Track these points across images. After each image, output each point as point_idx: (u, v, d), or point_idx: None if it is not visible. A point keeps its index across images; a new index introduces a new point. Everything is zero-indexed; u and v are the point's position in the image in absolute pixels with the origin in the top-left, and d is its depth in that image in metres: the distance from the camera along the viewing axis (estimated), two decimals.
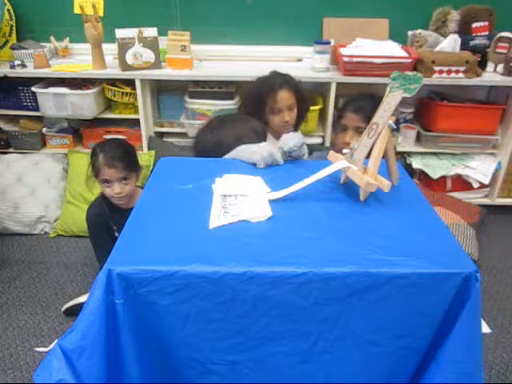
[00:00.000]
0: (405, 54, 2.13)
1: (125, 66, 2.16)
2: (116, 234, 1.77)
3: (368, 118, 1.65)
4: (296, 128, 1.94)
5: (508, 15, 2.30)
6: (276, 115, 1.81)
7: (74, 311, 1.72)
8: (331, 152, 1.16)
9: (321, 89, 2.39)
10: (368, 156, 1.03)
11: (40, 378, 0.79)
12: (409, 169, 2.36)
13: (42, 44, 2.39)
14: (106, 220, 1.78)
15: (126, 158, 1.71)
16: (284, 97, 1.79)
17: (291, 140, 1.24)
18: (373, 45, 2.22)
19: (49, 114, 2.26)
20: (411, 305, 0.84)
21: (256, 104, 1.80)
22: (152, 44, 2.17)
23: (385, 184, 1.01)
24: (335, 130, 2.30)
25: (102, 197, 1.81)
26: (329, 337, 0.87)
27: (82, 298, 1.73)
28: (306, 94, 1.90)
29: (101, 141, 1.86)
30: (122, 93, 2.23)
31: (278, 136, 1.64)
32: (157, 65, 2.20)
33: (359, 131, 1.72)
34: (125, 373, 0.86)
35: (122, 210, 1.75)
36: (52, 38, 2.41)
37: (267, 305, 0.84)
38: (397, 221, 0.97)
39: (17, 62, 2.21)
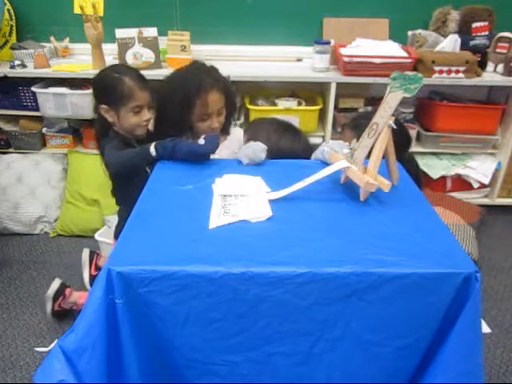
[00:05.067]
0: (405, 54, 2.14)
1: None
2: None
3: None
4: (226, 131, 1.64)
5: (508, 15, 2.30)
6: (203, 122, 1.49)
7: (62, 312, 1.74)
8: (331, 152, 1.16)
9: (321, 89, 2.39)
10: (368, 156, 1.03)
11: (41, 378, 0.79)
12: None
13: (42, 44, 2.39)
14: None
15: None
16: (214, 100, 1.46)
17: (257, 153, 1.22)
18: (373, 45, 2.23)
19: (49, 114, 2.26)
20: (411, 305, 0.84)
21: (181, 107, 1.46)
22: (152, 44, 2.17)
23: (385, 184, 1.01)
24: (335, 130, 2.31)
25: (116, 137, 1.48)
26: (329, 337, 0.87)
27: (48, 307, 1.72)
28: (234, 92, 1.62)
29: (104, 68, 1.56)
30: None
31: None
32: (157, 65, 2.20)
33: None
34: (125, 373, 0.86)
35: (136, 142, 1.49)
36: (52, 38, 2.41)
37: (267, 305, 0.84)
38: (397, 221, 0.97)
39: (17, 62, 2.21)
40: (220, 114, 1.52)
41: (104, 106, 1.44)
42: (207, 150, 1.23)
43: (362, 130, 1.46)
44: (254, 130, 1.48)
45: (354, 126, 1.60)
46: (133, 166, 1.32)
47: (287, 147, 1.37)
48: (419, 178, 1.60)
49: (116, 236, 1.62)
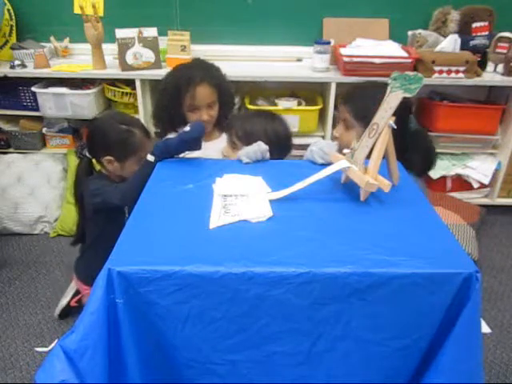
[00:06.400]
0: (405, 54, 2.14)
1: (125, 66, 2.16)
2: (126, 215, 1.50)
3: (355, 109, 1.44)
4: (221, 126, 1.70)
5: (508, 15, 2.30)
6: (193, 113, 1.59)
7: (68, 313, 1.74)
8: (319, 152, 1.17)
9: (321, 89, 2.39)
10: (368, 156, 1.03)
11: (42, 379, 0.79)
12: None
13: (42, 44, 2.40)
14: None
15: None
16: (203, 93, 1.55)
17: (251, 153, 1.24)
18: (373, 45, 2.23)
19: (49, 114, 2.26)
20: (411, 305, 0.84)
21: (172, 97, 1.57)
22: (152, 44, 2.17)
23: (385, 184, 1.01)
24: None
25: (103, 178, 1.55)
26: (329, 337, 0.87)
27: (65, 300, 1.74)
28: (231, 90, 1.70)
29: (104, 119, 1.58)
30: (122, 93, 2.23)
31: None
32: (157, 65, 2.20)
33: (346, 124, 1.45)
34: (125, 372, 0.86)
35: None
36: (52, 38, 2.41)
37: (267, 305, 0.84)
38: (397, 221, 0.97)
39: (17, 62, 2.21)
40: (210, 108, 1.59)
41: (108, 158, 1.43)
42: (194, 134, 1.25)
43: (356, 102, 1.39)
44: (243, 127, 1.47)
45: (348, 98, 1.46)
46: (144, 183, 1.18)
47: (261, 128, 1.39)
48: (429, 155, 1.52)
49: (87, 279, 1.62)
